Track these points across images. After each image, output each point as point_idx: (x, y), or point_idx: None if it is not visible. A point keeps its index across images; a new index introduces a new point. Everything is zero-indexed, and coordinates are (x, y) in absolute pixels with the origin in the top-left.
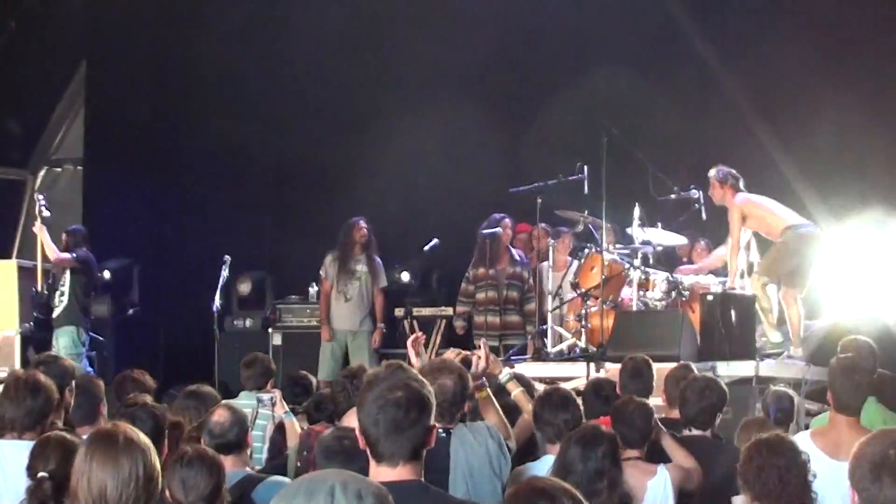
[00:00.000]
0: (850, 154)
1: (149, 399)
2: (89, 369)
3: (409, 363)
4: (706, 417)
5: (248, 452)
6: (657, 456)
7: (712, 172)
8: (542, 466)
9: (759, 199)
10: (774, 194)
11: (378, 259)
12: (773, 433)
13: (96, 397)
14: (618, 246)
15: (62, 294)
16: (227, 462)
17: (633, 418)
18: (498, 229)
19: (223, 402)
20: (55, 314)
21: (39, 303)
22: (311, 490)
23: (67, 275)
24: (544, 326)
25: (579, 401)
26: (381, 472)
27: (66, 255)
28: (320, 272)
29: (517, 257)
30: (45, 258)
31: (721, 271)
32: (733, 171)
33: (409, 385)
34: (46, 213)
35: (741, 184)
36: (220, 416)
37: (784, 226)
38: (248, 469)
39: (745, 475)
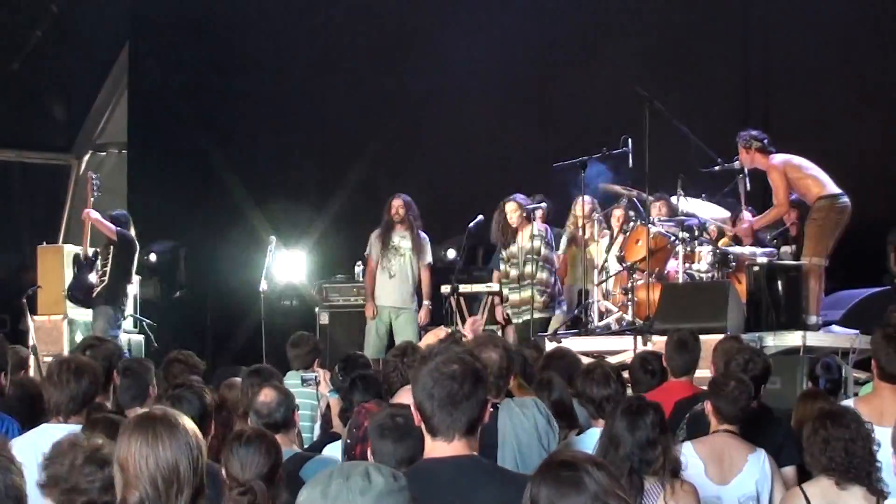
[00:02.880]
0: None
1: (196, 380)
2: (125, 351)
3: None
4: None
5: (296, 431)
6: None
7: (739, 140)
8: (588, 440)
9: (799, 161)
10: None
11: (423, 235)
12: (836, 404)
13: (146, 379)
14: (663, 218)
15: (104, 275)
16: None
17: (735, 394)
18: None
19: (271, 383)
20: (94, 294)
21: (80, 284)
22: (346, 473)
23: (110, 256)
24: (590, 300)
25: (624, 374)
26: (436, 447)
27: (112, 225)
28: (366, 251)
29: (535, 231)
30: (92, 241)
31: (766, 242)
32: (755, 133)
33: (463, 359)
34: (98, 193)
35: (767, 143)
36: (266, 395)
37: (823, 193)
38: (295, 448)
39: (811, 449)
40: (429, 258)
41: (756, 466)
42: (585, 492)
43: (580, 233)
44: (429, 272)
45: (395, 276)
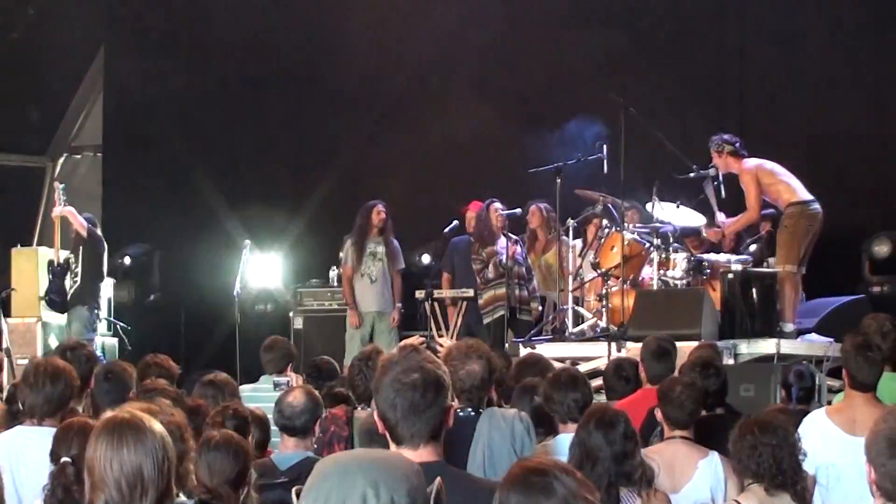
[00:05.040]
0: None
1: (166, 384)
2: (99, 354)
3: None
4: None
5: (314, 439)
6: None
7: (710, 145)
8: (558, 445)
9: (772, 167)
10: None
11: (395, 241)
12: (764, 412)
13: (126, 383)
14: (638, 225)
15: (76, 276)
16: (290, 443)
17: (682, 399)
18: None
19: (303, 386)
20: (69, 296)
21: (57, 288)
22: (342, 495)
23: (80, 256)
24: (565, 307)
25: (599, 381)
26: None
27: (84, 222)
28: (340, 257)
29: (512, 237)
30: (62, 244)
31: (741, 249)
32: (726, 137)
33: (423, 367)
34: (63, 202)
35: (739, 146)
36: (294, 398)
37: (794, 199)
38: (309, 452)
39: (739, 455)
40: (401, 264)
41: (708, 471)
42: (554, 497)
43: (540, 239)
44: (400, 277)
45: (376, 280)
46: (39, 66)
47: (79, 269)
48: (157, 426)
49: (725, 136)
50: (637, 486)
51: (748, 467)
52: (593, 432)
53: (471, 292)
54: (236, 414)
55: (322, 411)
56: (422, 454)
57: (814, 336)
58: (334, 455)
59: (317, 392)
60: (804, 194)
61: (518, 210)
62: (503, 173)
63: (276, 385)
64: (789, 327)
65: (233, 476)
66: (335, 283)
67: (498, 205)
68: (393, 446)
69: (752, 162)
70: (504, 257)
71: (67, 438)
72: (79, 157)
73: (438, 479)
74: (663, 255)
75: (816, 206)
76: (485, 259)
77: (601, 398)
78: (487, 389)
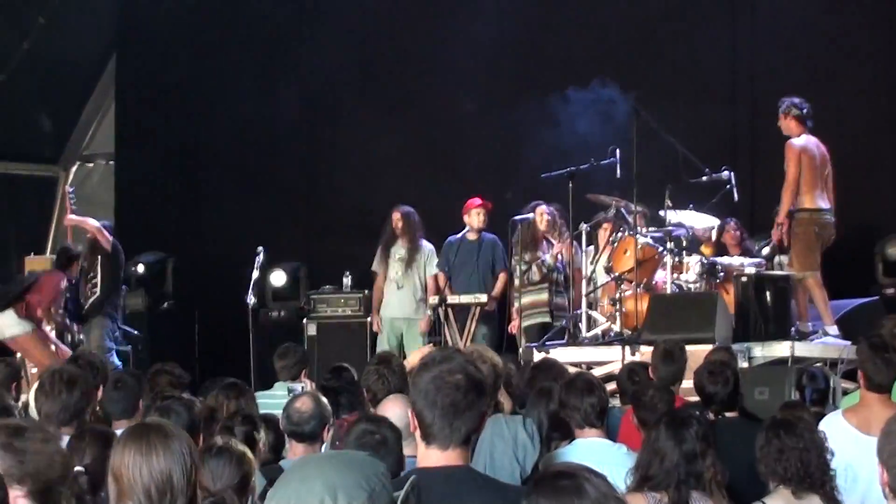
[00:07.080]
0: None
1: (184, 392)
2: (118, 363)
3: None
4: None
5: (322, 445)
6: None
7: (780, 105)
8: (573, 451)
9: (812, 160)
10: None
11: (426, 244)
12: (786, 414)
13: (136, 392)
14: (650, 229)
15: (94, 286)
16: (299, 449)
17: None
18: (530, 214)
19: (311, 392)
20: (87, 305)
21: (70, 296)
22: (300, 502)
23: (99, 267)
24: (578, 311)
25: (612, 385)
26: (430, 456)
27: (109, 237)
28: (373, 267)
29: (552, 241)
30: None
31: (755, 252)
32: (796, 101)
33: (467, 369)
34: (74, 207)
35: (806, 113)
36: (302, 404)
37: (806, 205)
38: None
39: (766, 460)
40: (432, 269)
41: None
42: (588, 498)
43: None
44: (434, 281)
45: (402, 287)
46: (51, 74)
47: (97, 280)
48: (184, 434)
49: (796, 100)
50: (707, 489)
51: (775, 471)
52: (663, 432)
53: (484, 297)
54: (246, 420)
55: (330, 417)
56: (450, 456)
57: (828, 338)
58: (302, 457)
59: (325, 398)
60: (819, 202)
61: (531, 215)
62: (517, 178)
63: (291, 392)
64: (833, 329)
65: (236, 482)
66: (348, 290)
67: (544, 207)
68: (422, 445)
69: (801, 142)
70: (548, 257)
71: (81, 447)
72: (91, 165)
73: (412, 480)
74: (676, 259)
75: (829, 216)
76: (528, 262)
77: (615, 402)
78: (494, 394)
